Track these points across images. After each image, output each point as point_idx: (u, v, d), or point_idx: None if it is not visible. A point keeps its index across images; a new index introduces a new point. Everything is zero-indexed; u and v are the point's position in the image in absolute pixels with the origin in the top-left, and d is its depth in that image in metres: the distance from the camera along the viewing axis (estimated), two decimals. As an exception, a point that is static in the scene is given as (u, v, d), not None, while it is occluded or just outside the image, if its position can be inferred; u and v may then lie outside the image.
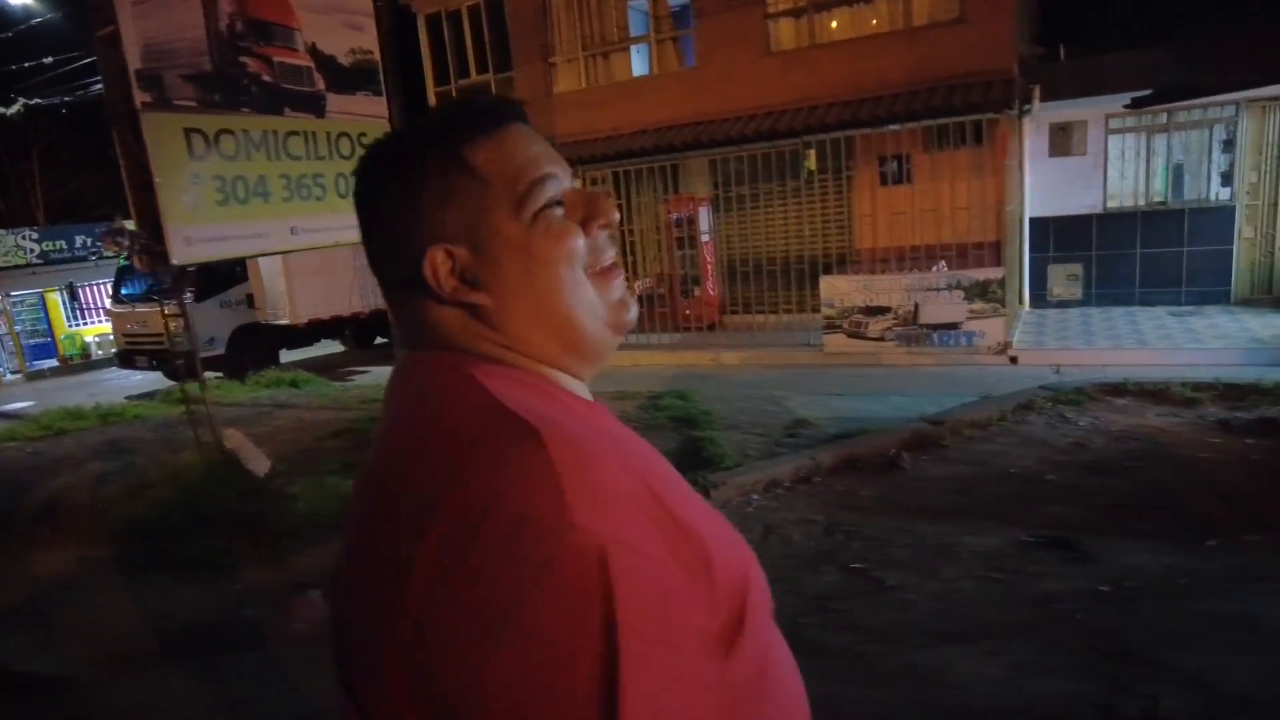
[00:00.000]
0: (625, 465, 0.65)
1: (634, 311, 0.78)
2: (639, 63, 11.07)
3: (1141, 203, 9.79)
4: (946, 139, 9.45)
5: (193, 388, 11.38)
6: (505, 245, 0.72)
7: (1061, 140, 9.97)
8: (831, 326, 9.52)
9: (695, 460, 5.51)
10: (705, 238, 11.33)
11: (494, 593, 0.57)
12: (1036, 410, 5.99)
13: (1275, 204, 9.31)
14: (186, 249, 5.66)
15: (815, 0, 9.71)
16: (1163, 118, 9.52)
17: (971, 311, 8.91)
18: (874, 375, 8.69)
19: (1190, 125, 9.48)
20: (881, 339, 9.33)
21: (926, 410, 6.37)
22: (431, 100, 12.15)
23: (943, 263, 9.49)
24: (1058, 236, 10.22)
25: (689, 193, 11.33)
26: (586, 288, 0.74)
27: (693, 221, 11.05)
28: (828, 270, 9.97)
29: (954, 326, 9.01)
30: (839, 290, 9.47)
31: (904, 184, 10.29)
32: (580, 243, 0.74)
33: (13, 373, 16.11)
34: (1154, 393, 6.07)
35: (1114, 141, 9.77)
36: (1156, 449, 5.11)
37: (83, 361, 16.60)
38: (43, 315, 17.31)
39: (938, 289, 9.01)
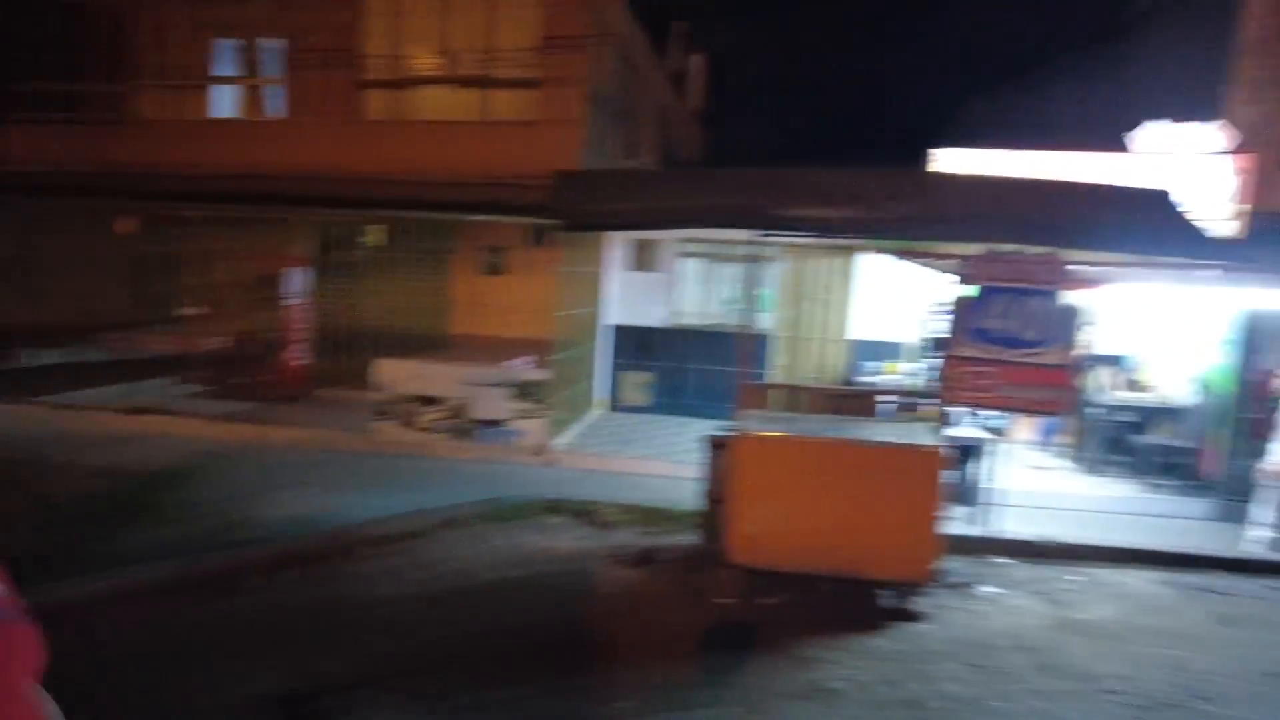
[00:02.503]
0: None
1: None
2: (224, 102, 10.23)
3: (701, 322, 10.44)
4: (542, 236, 9.60)
5: None
6: None
7: (640, 255, 10.45)
8: (383, 413, 9.03)
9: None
10: (296, 300, 10.55)
11: None
12: (462, 526, 5.77)
13: (808, 338, 10.31)
14: None
15: (404, 76, 9.48)
16: (724, 247, 10.29)
17: (516, 410, 8.85)
18: (405, 469, 8.27)
19: (741, 258, 10.31)
20: (431, 430, 8.99)
21: (404, 509, 6.05)
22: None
23: (527, 358, 9.42)
24: (634, 345, 10.61)
25: (283, 250, 10.51)
26: None
27: (279, 281, 10.22)
28: (426, 350, 9.60)
29: (498, 423, 8.88)
30: (394, 376, 9.03)
31: (501, 274, 10.29)
32: None
33: None
34: (586, 513, 6.10)
35: (685, 263, 10.39)
36: (527, 581, 5.01)
37: None
38: None
39: (488, 384, 8.87)
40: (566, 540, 5.68)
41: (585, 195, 4.44)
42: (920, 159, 8.60)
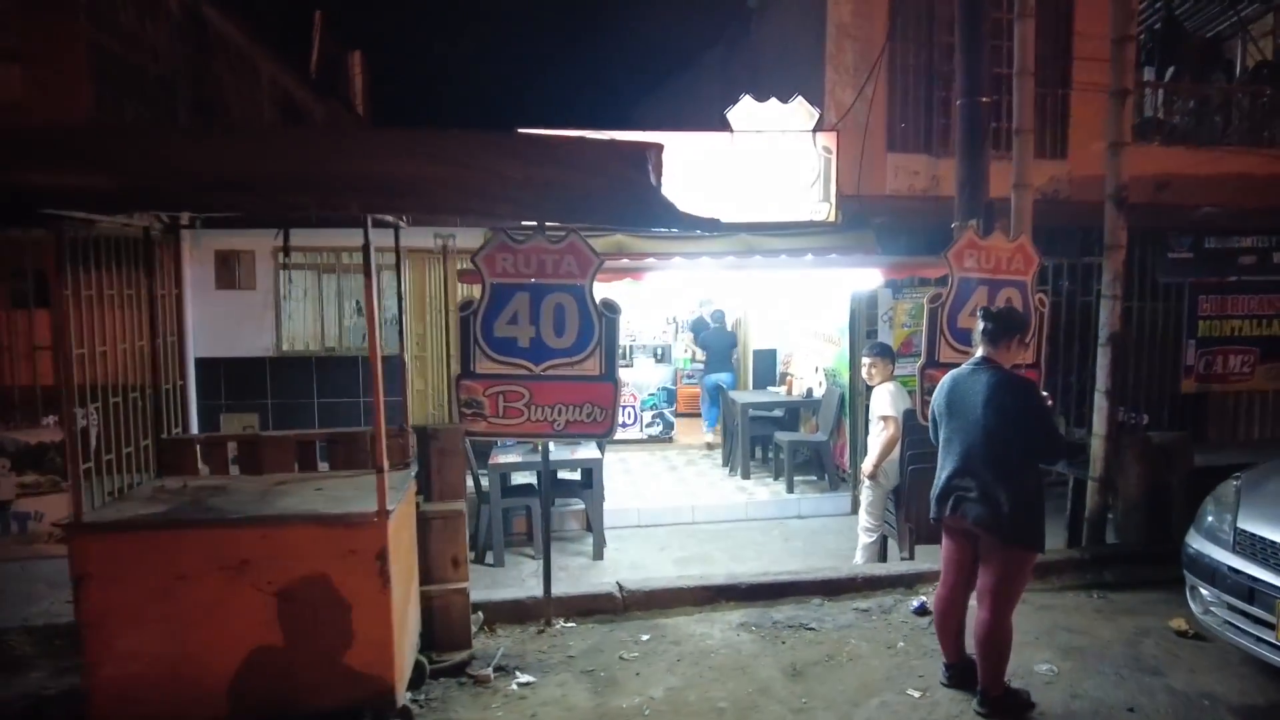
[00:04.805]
0: None
1: None
2: None
3: (315, 347, 8.55)
4: (89, 255, 7.27)
5: None
6: None
7: (227, 271, 8.35)
8: None
9: None
10: None
11: None
12: None
13: (443, 358, 8.76)
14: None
15: None
16: (331, 257, 8.48)
17: (23, 486, 6.48)
18: None
19: (356, 269, 8.56)
20: (-105, 526, 6.36)
21: None
22: None
23: (90, 410, 7.00)
24: (230, 381, 8.47)
25: None
26: None
27: None
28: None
29: (2, 507, 6.46)
30: None
31: (43, 308, 7.72)
32: None
33: None
34: (-11, 649, 4.06)
35: (285, 277, 8.44)
36: None
37: None
38: None
39: (-28, 456, 6.42)
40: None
41: None
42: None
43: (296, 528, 3.09)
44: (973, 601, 3.71)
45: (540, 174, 2.68)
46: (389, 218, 3.63)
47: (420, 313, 8.74)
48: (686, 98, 11.96)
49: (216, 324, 8.41)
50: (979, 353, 3.53)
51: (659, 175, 3.02)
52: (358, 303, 8.74)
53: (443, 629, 4.00)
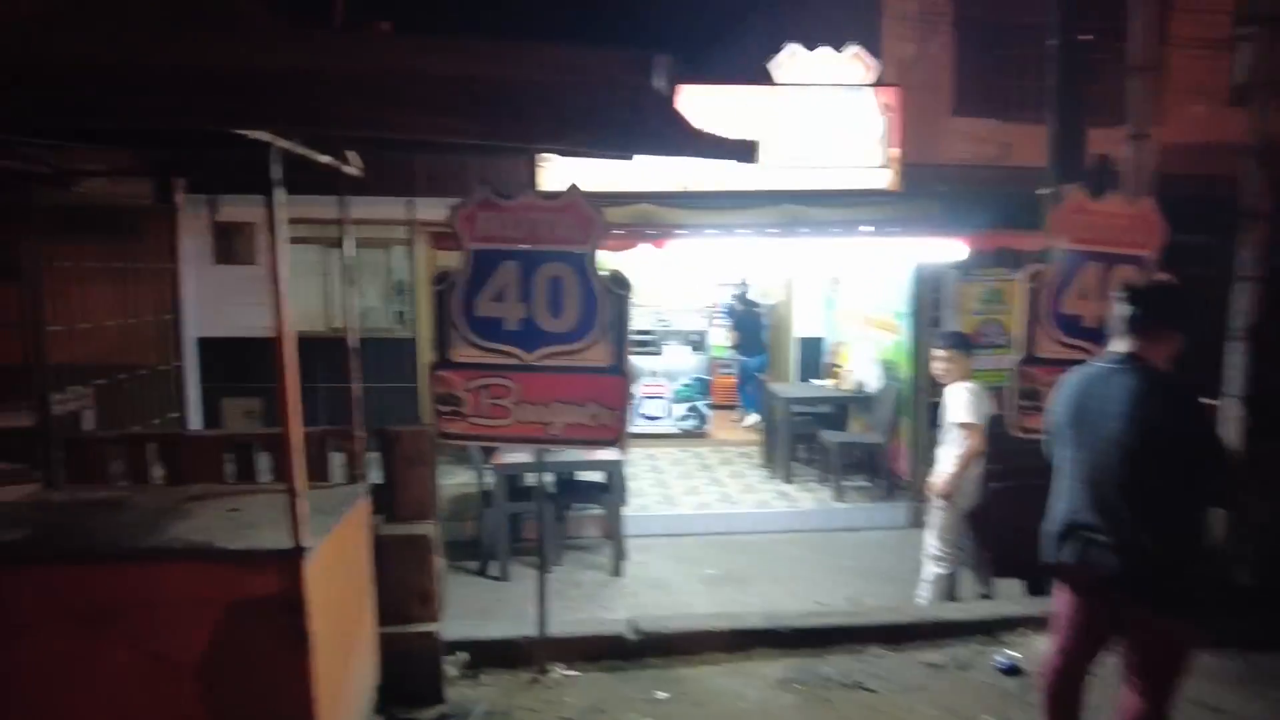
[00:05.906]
0: None
1: None
2: None
3: (321, 327, 7.82)
4: (79, 225, 6.62)
5: None
6: None
7: (228, 245, 7.66)
8: None
9: None
10: None
11: None
12: None
13: (455, 341, 7.96)
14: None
15: None
16: (338, 230, 7.71)
17: (-11, 475, 5.81)
18: None
19: (366, 244, 7.78)
20: None
21: None
22: None
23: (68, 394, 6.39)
24: (231, 363, 7.79)
25: None
26: None
27: None
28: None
29: (-34, 496, 5.81)
30: None
31: (13, 283, 7.11)
32: None
33: None
34: None
35: (293, 252, 7.70)
36: None
37: None
38: None
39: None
40: None
41: None
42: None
43: (177, 566, 2.26)
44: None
45: (487, 71, 1.78)
46: (300, 149, 2.74)
47: (434, 292, 7.94)
48: (719, 45, 10.89)
49: (217, 301, 7.73)
50: (1120, 347, 2.54)
51: (672, 90, 2.10)
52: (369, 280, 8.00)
53: (408, 680, 3.17)
